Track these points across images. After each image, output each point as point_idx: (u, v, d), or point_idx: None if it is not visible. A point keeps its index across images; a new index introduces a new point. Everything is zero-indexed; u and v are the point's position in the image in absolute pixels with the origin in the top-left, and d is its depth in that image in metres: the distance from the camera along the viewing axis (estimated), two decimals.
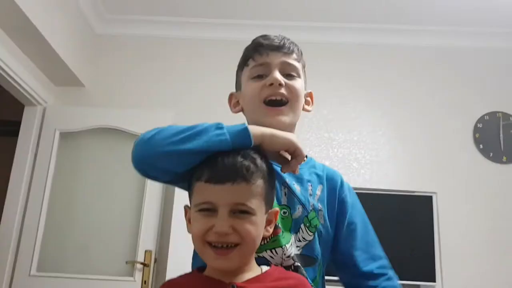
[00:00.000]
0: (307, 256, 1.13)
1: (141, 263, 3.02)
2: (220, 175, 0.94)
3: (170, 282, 1.04)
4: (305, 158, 1.14)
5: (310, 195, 1.17)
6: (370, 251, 1.24)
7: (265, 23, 3.52)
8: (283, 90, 1.18)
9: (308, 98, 1.32)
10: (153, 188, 3.17)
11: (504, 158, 3.35)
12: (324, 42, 3.56)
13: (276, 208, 1.06)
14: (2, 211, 3.20)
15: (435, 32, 3.60)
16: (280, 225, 1.11)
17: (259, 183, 0.97)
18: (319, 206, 1.17)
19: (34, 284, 3.02)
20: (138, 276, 3.02)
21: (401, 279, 3.37)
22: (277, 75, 1.18)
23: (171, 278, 1.06)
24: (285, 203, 1.14)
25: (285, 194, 1.15)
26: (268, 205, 1.01)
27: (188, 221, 1.02)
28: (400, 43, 3.63)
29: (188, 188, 1.03)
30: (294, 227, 1.13)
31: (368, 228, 1.27)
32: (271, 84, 1.17)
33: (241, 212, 0.95)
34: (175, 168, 1.02)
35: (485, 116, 3.43)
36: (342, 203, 1.23)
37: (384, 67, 3.58)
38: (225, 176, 0.94)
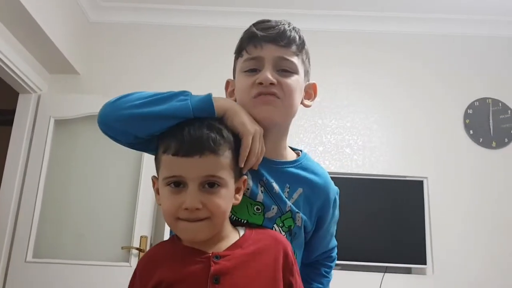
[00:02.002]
0: None
1: (137, 249, 3.05)
2: (187, 148, 0.93)
3: (149, 255, 1.04)
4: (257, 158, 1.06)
5: (286, 197, 1.11)
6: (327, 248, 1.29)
7: (261, 10, 3.52)
8: (274, 89, 1.09)
9: (310, 91, 1.24)
10: (148, 174, 3.17)
11: (494, 144, 3.40)
12: (316, 29, 3.57)
13: (245, 176, 1.04)
14: None
15: (425, 19, 3.63)
16: (249, 221, 1.08)
17: (227, 154, 0.96)
18: (296, 209, 1.12)
19: (30, 270, 3.03)
20: (133, 261, 3.04)
21: (393, 262, 3.44)
22: (268, 74, 1.09)
23: (149, 249, 1.04)
24: (260, 200, 1.09)
25: (262, 192, 1.09)
26: (237, 174, 1.00)
27: (157, 191, 1.02)
28: (391, 30, 3.66)
29: (155, 159, 1.02)
30: (264, 226, 1.08)
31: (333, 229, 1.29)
32: (261, 83, 1.09)
33: (210, 185, 0.94)
34: (135, 132, 1.01)
35: (475, 102, 3.48)
36: (320, 219, 1.19)
37: (376, 54, 3.61)
38: (192, 149, 0.93)
